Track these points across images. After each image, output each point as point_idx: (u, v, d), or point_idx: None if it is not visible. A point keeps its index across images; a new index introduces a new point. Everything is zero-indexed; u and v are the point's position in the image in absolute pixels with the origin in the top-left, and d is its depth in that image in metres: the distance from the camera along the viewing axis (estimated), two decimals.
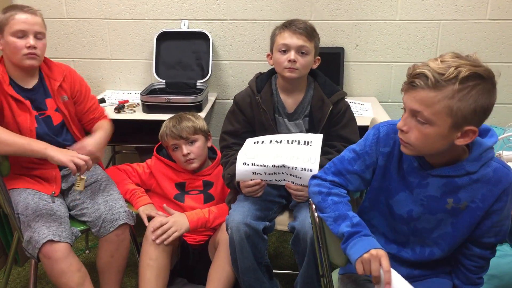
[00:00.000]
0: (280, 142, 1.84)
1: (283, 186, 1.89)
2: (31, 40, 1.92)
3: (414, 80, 1.22)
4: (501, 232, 1.40)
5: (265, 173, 1.86)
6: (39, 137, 1.96)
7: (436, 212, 1.40)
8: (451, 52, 1.25)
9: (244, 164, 1.86)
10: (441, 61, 1.20)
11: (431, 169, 1.36)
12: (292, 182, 1.86)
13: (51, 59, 2.12)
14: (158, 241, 1.98)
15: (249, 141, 1.91)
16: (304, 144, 1.82)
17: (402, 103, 1.30)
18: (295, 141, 1.83)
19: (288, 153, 1.81)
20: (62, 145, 1.94)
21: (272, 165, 1.82)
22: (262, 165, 1.83)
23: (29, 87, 2.01)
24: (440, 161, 1.34)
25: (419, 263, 1.49)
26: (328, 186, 1.44)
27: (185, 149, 2.16)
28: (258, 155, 1.84)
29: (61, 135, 2.07)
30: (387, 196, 1.45)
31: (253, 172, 1.86)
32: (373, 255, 1.26)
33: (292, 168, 1.79)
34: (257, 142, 1.88)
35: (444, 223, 1.41)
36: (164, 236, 1.99)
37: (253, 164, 1.84)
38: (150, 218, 2.08)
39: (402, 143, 1.31)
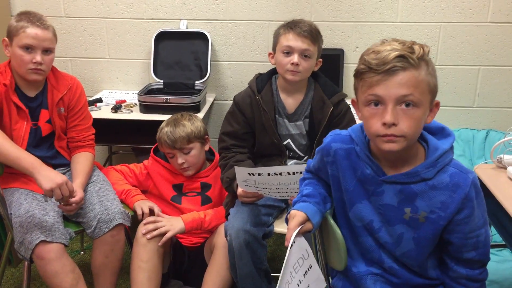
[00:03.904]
0: (280, 174, 1.75)
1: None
2: (38, 57, 1.90)
3: (395, 64, 1.15)
4: (479, 244, 1.29)
5: (269, 192, 1.84)
6: (27, 147, 1.96)
7: (395, 223, 1.32)
8: (382, 39, 1.24)
9: (247, 186, 1.83)
10: (397, 43, 1.18)
11: (384, 176, 1.29)
12: None
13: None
14: (148, 236, 1.95)
15: (241, 172, 1.78)
16: None
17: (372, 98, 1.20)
18: (297, 172, 1.72)
19: (291, 180, 1.76)
20: (42, 160, 1.89)
21: (276, 188, 1.80)
22: (266, 188, 1.81)
23: (32, 96, 2.01)
24: (396, 163, 1.28)
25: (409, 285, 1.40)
26: (304, 174, 1.55)
27: (180, 159, 2.13)
28: (258, 183, 1.79)
29: (43, 148, 2.05)
30: (345, 209, 1.40)
31: (256, 189, 1.84)
32: (291, 214, 1.36)
33: (298, 188, 1.71)
34: (252, 174, 1.77)
35: (405, 239, 1.32)
36: (156, 232, 1.96)
37: (257, 187, 1.82)
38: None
39: (391, 140, 1.19)
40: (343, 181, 1.37)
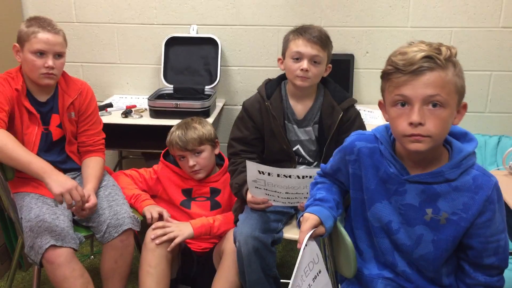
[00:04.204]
0: (290, 176, 1.77)
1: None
2: (50, 61, 1.92)
3: (422, 64, 1.16)
4: (499, 249, 1.29)
5: (278, 197, 1.86)
6: (39, 151, 1.98)
7: (415, 224, 1.32)
8: (409, 42, 1.25)
9: (256, 188, 1.85)
10: (424, 44, 1.20)
11: (408, 175, 1.30)
12: None
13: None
14: (157, 241, 1.96)
15: (252, 168, 1.80)
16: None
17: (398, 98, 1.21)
18: (307, 176, 1.74)
19: (301, 185, 1.77)
20: (52, 164, 1.89)
21: (286, 192, 1.82)
22: (275, 192, 1.83)
23: (43, 101, 2.03)
24: (420, 163, 1.29)
25: None
26: (316, 178, 1.56)
27: (191, 160, 2.14)
28: (268, 184, 1.81)
29: (54, 153, 2.06)
30: (363, 209, 1.40)
31: (266, 194, 1.86)
32: (304, 217, 1.36)
33: (307, 193, 1.71)
34: (263, 173, 1.78)
35: (424, 241, 1.32)
36: (164, 238, 1.96)
37: (266, 189, 1.84)
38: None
39: (417, 140, 1.19)
40: (365, 179, 1.37)
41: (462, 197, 1.26)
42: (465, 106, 1.26)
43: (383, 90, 1.28)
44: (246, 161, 1.81)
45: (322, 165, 1.55)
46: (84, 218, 1.98)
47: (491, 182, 1.27)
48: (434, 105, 1.18)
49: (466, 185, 1.26)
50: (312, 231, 1.31)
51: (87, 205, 1.89)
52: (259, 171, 1.78)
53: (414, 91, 1.18)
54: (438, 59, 1.16)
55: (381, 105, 1.32)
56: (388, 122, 1.30)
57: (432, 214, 1.29)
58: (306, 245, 1.27)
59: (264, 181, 1.80)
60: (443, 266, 1.35)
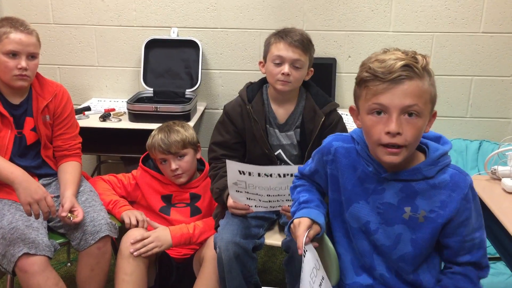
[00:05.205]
0: (271, 175, 1.74)
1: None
2: (23, 62, 1.87)
3: (401, 73, 1.16)
4: (474, 248, 1.30)
5: (260, 200, 1.83)
6: (12, 156, 1.92)
7: (394, 223, 1.32)
8: (383, 48, 1.25)
9: (237, 191, 1.82)
10: (400, 52, 1.20)
11: (386, 173, 1.30)
12: (289, 206, 1.80)
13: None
14: (135, 253, 1.91)
15: (232, 169, 1.77)
16: None
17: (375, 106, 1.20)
18: (287, 174, 1.73)
19: (282, 184, 1.76)
20: (27, 169, 1.86)
21: (267, 194, 1.80)
22: (257, 194, 1.81)
23: (16, 103, 1.96)
24: (396, 167, 1.29)
25: None
26: (294, 181, 1.55)
27: (174, 164, 2.10)
28: (249, 186, 1.79)
29: (29, 157, 2.00)
30: (341, 210, 1.40)
31: (247, 198, 1.83)
32: (294, 223, 1.34)
33: (289, 195, 1.69)
34: (243, 173, 1.76)
35: (403, 241, 1.32)
36: (143, 250, 1.92)
37: (247, 193, 1.81)
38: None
39: (393, 152, 1.20)
40: (342, 179, 1.37)
41: (439, 195, 1.28)
42: (434, 114, 1.27)
43: (357, 97, 1.28)
44: (227, 160, 1.79)
45: (299, 167, 1.54)
46: (59, 225, 1.93)
47: (467, 181, 1.29)
48: (410, 115, 1.19)
49: (444, 182, 1.28)
50: (307, 232, 1.29)
51: (75, 220, 1.85)
52: (239, 171, 1.75)
53: (392, 100, 1.18)
54: (416, 68, 1.17)
55: (353, 111, 1.32)
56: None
57: (411, 212, 1.30)
58: (306, 250, 1.27)
59: (245, 183, 1.77)
60: (422, 267, 1.35)
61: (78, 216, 1.86)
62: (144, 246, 1.93)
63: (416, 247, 1.32)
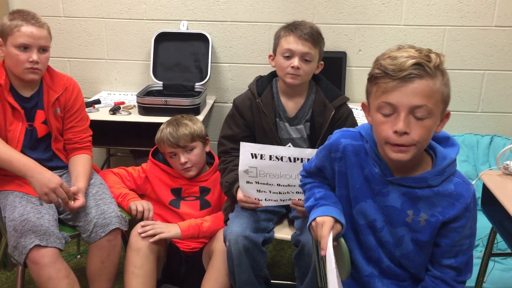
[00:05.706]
0: (281, 159, 1.75)
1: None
2: (34, 55, 1.87)
3: (412, 71, 1.14)
4: (460, 253, 1.31)
5: (270, 191, 1.83)
6: (23, 149, 1.93)
7: (397, 226, 1.32)
8: (398, 45, 1.23)
9: (248, 182, 1.82)
10: (414, 50, 1.17)
11: (392, 176, 1.30)
12: (299, 199, 1.81)
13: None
14: (143, 235, 1.93)
15: (245, 151, 1.78)
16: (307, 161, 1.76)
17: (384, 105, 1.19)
18: (298, 158, 1.74)
19: (293, 172, 1.75)
20: (38, 162, 1.85)
21: (277, 184, 1.79)
22: (267, 184, 1.81)
23: (27, 96, 1.97)
24: (403, 168, 1.28)
25: None
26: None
27: (183, 157, 2.10)
28: (260, 174, 1.78)
29: (39, 150, 2.01)
30: (349, 206, 1.39)
31: (257, 190, 1.83)
32: (317, 222, 1.31)
33: (299, 186, 1.71)
34: (255, 156, 1.77)
35: (406, 242, 1.33)
36: (151, 232, 1.94)
37: (257, 183, 1.81)
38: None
39: (401, 150, 1.20)
40: (350, 177, 1.36)
41: (442, 202, 1.28)
42: (447, 115, 1.25)
43: (368, 93, 1.27)
44: (241, 142, 1.78)
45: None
46: (70, 217, 1.94)
47: (471, 191, 1.28)
48: (419, 117, 1.18)
49: (448, 191, 1.27)
50: (331, 233, 1.28)
51: (74, 205, 1.85)
52: (252, 154, 1.76)
53: (401, 99, 1.16)
54: (428, 67, 1.15)
55: (365, 107, 1.31)
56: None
57: (413, 215, 1.30)
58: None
59: (256, 169, 1.77)
60: (423, 265, 1.37)
61: (75, 203, 1.85)
62: (153, 228, 1.94)
63: (418, 247, 1.33)
